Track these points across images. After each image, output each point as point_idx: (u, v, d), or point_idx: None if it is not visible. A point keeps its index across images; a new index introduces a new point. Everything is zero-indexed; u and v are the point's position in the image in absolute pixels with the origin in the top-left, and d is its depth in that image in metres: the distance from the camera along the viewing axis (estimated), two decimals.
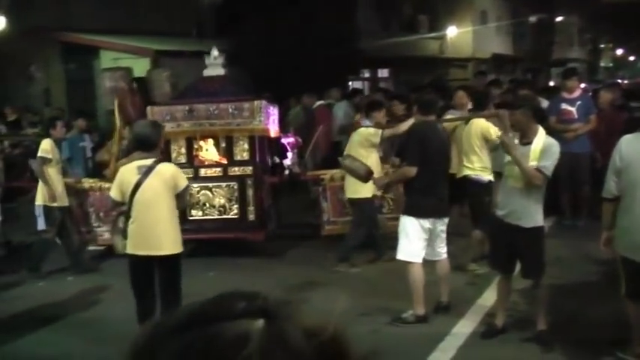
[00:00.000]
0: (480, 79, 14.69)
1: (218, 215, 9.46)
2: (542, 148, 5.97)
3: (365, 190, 8.37)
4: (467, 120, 8.68)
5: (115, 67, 17.24)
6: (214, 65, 10.05)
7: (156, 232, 6.06)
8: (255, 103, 9.33)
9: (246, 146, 9.42)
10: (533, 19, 39.11)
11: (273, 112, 10.08)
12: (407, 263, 6.71)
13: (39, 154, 8.88)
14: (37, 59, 17.53)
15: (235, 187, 9.38)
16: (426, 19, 29.05)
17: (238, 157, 9.43)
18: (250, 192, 9.37)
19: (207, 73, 10.09)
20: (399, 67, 26.74)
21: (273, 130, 9.95)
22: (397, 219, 8.49)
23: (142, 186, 5.95)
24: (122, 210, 6.27)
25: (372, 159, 8.48)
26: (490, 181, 8.17)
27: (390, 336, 6.49)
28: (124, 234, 6.16)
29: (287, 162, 10.25)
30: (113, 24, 17.64)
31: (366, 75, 27.49)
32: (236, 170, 9.43)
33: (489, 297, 7.22)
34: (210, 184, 9.44)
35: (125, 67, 17.05)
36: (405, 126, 8.29)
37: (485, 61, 31.06)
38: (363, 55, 22.76)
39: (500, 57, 33.77)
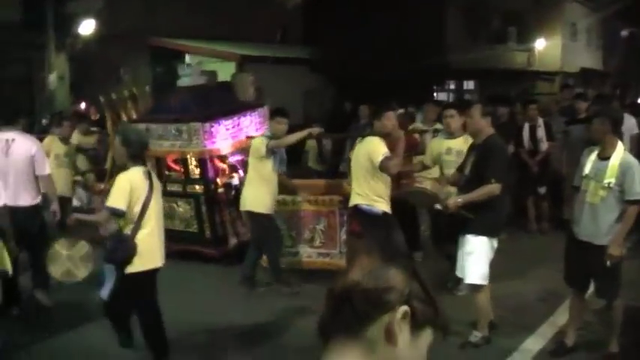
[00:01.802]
0: (566, 93, 14.28)
1: (183, 228, 9.50)
2: (619, 166, 5.65)
3: (264, 206, 7.95)
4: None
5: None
6: (191, 75, 10.12)
7: (163, 242, 5.81)
8: (192, 125, 9.00)
9: (196, 165, 9.30)
10: (624, 33, 38.11)
11: (233, 128, 9.54)
12: (476, 286, 6.44)
13: None
14: (125, 62, 17.84)
15: (192, 203, 9.37)
16: (514, 30, 28.55)
17: (191, 176, 9.36)
18: (204, 209, 9.30)
19: (182, 83, 10.10)
20: (485, 80, 26.36)
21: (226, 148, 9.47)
22: (329, 255, 8.72)
23: (154, 193, 5.62)
24: (111, 227, 5.91)
25: (266, 169, 7.99)
26: (385, 213, 7.51)
27: (458, 352, 6.32)
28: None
29: (234, 181, 9.45)
30: (199, 29, 17.86)
31: (452, 86, 27.19)
32: (191, 188, 9.39)
33: (562, 314, 6.93)
34: (176, 199, 9.43)
35: (210, 70, 17.17)
36: (293, 138, 8.09)
37: (573, 75, 30.39)
38: (450, 67, 22.48)
39: (588, 71, 32.93)
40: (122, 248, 5.51)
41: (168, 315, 5.97)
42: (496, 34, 28.05)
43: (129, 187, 5.48)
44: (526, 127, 11.37)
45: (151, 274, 5.66)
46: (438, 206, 7.08)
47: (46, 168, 7.39)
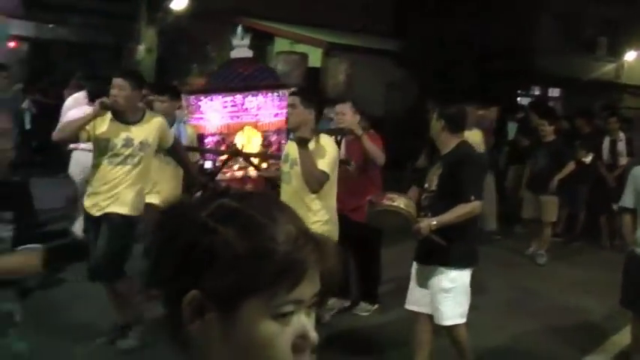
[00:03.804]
0: None
1: None
2: None
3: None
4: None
5: (291, 52, 17.47)
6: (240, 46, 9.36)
7: None
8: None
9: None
10: None
11: (234, 107, 8.82)
12: (454, 327, 5.43)
13: None
14: (212, 40, 17.95)
15: None
16: (605, 41, 27.89)
17: None
18: None
19: (234, 54, 9.42)
20: (572, 88, 25.79)
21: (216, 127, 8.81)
22: None
23: None
24: None
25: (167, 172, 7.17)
26: None
27: None
28: None
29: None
30: (289, 13, 17.87)
31: (536, 92, 26.68)
32: None
33: (627, 333, 6.64)
34: None
35: (301, 52, 17.25)
36: None
37: None
38: (536, 72, 22.06)
39: None
40: None
41: None
42: (586, 42, 27.43)
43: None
44: (606, 140, 11.25)
45: None
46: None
47: None
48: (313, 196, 5.53)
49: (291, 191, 5.63)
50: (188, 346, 1.22)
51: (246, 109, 8.85)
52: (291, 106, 5.67)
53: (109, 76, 5.94)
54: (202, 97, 8.57)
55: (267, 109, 8.97)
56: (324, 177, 5.41)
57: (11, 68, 10.10)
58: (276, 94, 8.84)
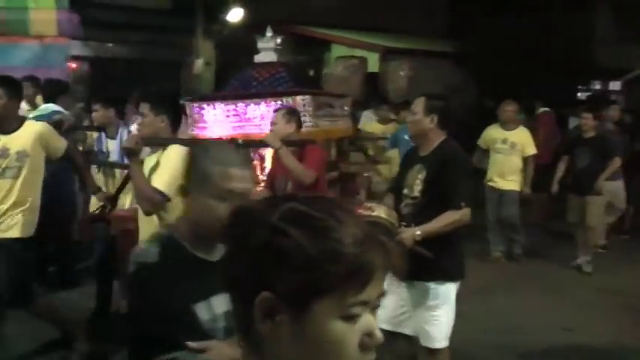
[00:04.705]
0: None
1: None
2: None
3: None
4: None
5: (349, 56, 17.45)
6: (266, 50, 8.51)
7: None
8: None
9: None
10: None
11: (236, 116, 7.89)
12: (441, 349, 4.86)
13: None
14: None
15: None
16: None
17: None
18: None
19: (258, 58, 8.58)
20: (634, 82, 25.17)
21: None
22: None
23: None
24: None
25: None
26: None
27: None
28: None
29: None
30: (344, 18, 17.86)
31: (597, 86, 26.15)
32: None
33: None
34: None
35: (360, 56, 17.21)
36: None
37: None
38: (597, 66, 21.64)
39: None
40: None
41: None
42: None
43: None
44: None
45: None
46: None
47: None
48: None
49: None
50: (258, 346, 1.26)
51: (249, 118, 7.90)
52: (142, 114, 4.99)
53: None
54: (205, 106, 7.95)
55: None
56: (158, 197, 4.49)
57: (73, 88, 10.26)
58: (279, 102, 7.57)
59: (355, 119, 13.56)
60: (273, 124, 5.96)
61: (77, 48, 13.59)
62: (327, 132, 7.95)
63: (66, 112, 8.14)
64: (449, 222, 4.57)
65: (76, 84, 12.91)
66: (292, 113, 6.29)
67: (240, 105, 7.78)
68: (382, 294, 1.27)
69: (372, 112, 12.47)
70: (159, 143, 4.88)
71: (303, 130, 7.03)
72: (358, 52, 17.59)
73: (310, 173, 5.82)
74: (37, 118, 6.95)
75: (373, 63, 17.45)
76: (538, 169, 10.05)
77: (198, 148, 2.84)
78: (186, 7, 17.23)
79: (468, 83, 17.16)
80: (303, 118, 7.02)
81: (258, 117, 7.75)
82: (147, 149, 5.05)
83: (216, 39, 18.10)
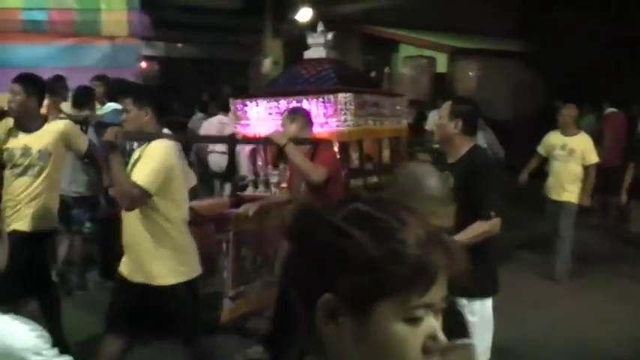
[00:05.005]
0: None
1: None
2: None
3: None
4: None
5: (418, 56, 17.39)
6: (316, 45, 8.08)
7: None
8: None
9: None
10: None
11: (278, 114, 7.26)
12: None
13: None
14: (337, 48, 18.05)
15: None
16: None
17: None
18: None
19: (308, 55, 8.18)
20: None
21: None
22: None
23: None
24: None
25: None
26: None
27: None
28: None
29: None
30: (412, 18, 17.79)
31: None
32: None
33: None
34: None
35: (429, 56, 17.13)
36: None
37: None
38: None
39: None
40: None
41: None
42: None
43: None
44: None
45: None
46: None
47: None
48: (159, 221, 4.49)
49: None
50: (321, 347, 1.25)
51: None
52: (125, 111, 4.77)
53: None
54: (248, 103, 7.68)
55: (313, 117, 7.10)
56: (138, 193, 4.32)
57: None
58: (320, 100, 7.25)
59: (423, 118, 13.56)
60: (282, 125, 5.84)
61: (148, 48, 13.81)
62: (372, 131, 7.71)
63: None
64: (478, 233, 4.34)
65: (146, 84, 13.13)
66: (296, 112, 6.15)
67: (282, 102, 7.45)
68: (445, 297, 1.24)
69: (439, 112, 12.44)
70: (140, 138, 4.82)
71: (344, 128, 7.01)
72: (427, 52, 17.52)
73: (320, 171, 5.59)
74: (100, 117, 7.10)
75: (442, 63, 17.36)
76: (606, 174, 9.70)
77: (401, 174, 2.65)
78: (256, 7, 17.37)
79: (537, 84, 16.90)
80: (344, 117, 7.00)
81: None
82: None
83: (285, 38, 18.20)
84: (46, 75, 8.68)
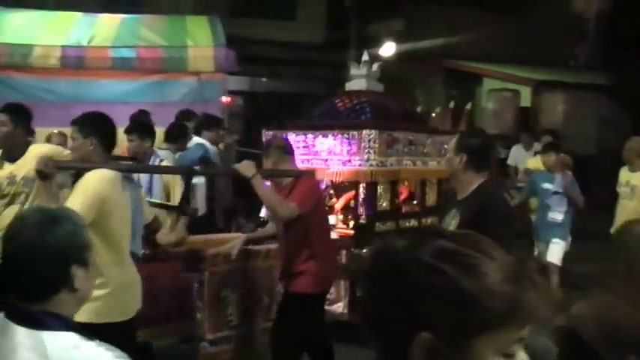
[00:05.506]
0: None
1: None
2: None
3: None
4: None
5: (502, 89, 17.25)
6: (358, 77, 7.76)
7: None
8: None
9: None
10: None
11: (305, 148, 7.25)
12: None
13: None
14: (420, 83, 18.08)
15: None
16: None
17: None
18: None
19: (349, 86, 7.91)
20: None
21: None
22: None
23: None
24: None
25: None
26: None
27: None
28: None
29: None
30: (495, 51, 17.68)
31: None
32: None
33: None
34: None
35: (513, 89, 16.98)
36: None
37: None
38: None
39: None
40: None
41: None
42: None
43: None
44: None
45: None
46: None
47: None
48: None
49: None
50: None
51: (317, 151, 7.22)
52: (72, 138, 4.59)
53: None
54: (278, 135, 7.25)
55: (337, 153, 7.06)
56: None
57: (226, 122, 10.65)
58: (345, 135, 6.91)
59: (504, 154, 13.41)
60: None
61: (233, 83, 14.06)
62: (408, 172, 7.29)
63: (209, 144, 8.43)
64: None
65: (231, 118, 13.34)
66: (269, 146, 5.81)
67: (310, 136, 7.22)
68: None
69: (522, 146, 12.28)
70: (72, 167, 4.64)
71: (366, 168, 6.72)
72: (510, 86, 17.36)
73: (289, 207, 5.19)
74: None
75: (525, 96, 17.16)
76: None
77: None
78: (339, 41, 17.52)
79: (623, 117, 16.55)
80: (367, 155, 6.70)
81: (325, 150, 7.13)
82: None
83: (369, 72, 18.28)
84: (132, 110, 9.00)
